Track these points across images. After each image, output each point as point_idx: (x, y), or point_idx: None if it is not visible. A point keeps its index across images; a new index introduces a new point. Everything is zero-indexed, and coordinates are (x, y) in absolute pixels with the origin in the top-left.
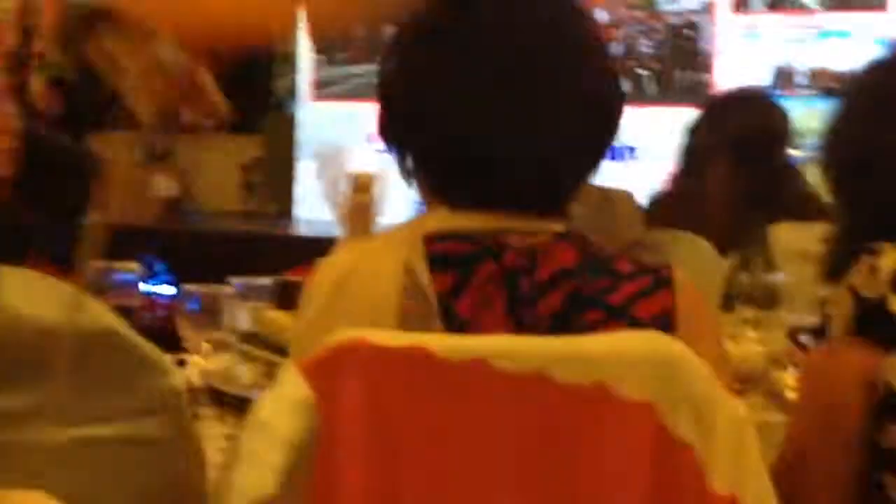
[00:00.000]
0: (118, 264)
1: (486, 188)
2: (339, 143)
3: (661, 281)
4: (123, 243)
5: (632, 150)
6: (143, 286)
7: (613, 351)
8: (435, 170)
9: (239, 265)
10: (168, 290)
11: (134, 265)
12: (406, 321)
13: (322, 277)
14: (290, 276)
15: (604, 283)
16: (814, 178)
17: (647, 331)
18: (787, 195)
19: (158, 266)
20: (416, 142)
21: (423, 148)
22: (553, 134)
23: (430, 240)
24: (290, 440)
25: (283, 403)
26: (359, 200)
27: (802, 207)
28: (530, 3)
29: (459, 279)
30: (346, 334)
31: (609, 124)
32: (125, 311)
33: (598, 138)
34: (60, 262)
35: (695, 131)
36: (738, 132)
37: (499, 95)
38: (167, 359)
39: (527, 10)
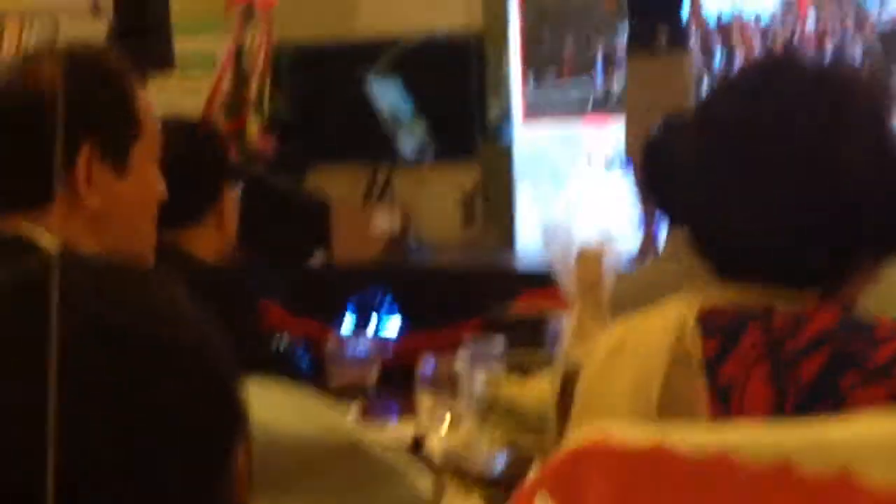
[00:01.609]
0: (352, 338)
1: (761, 268)
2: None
3: None
4: (349, 282)
5: None
6: (371, 325)
7: (859, 435)
8: (713, 252)
9: (463, 301)
10: (394, 325)
11: (368, 339)
12: (671, 385)
13: (596, 347)
14: (516, 310)
15: (863, 345)
16: None
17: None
18: None
19: (385, 304)
20: (698, 229)
21: (703, 235)
22: (828, 223)
23: (703, 312)
24: None
25: None
26: (587, 277)
27: None
28: (813, 90)
29: (726, 344)
30: (586, 434)
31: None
32: (360, 390)
33: (877, 228)
34: (290, 307)
35: None
36: None
37: (775, 186)
38: (412, 465)
39: (808, 100)
